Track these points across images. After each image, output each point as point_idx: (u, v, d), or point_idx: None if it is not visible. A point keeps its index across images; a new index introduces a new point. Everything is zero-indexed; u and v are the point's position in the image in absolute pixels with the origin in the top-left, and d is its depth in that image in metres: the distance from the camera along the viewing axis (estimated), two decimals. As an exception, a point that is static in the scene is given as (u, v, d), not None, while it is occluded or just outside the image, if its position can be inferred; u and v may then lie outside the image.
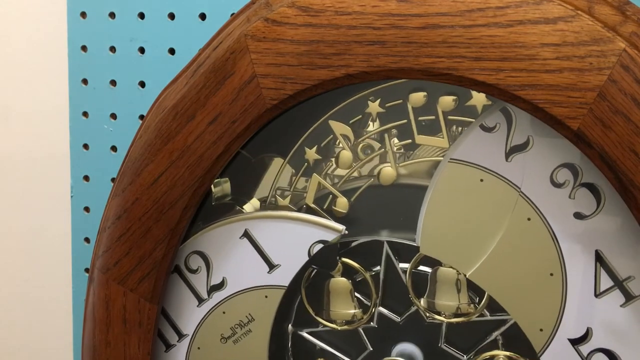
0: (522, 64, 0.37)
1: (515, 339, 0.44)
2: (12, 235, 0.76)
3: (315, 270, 0.49)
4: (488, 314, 0.45)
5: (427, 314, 0.46)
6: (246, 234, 0.47)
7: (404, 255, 0.47)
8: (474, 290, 0.45)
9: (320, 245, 0.46)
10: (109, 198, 0.48)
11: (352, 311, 0.48)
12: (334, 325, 0.49)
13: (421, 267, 0.46)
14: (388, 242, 0.47)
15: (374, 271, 0.48)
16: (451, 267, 0.45)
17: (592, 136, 0.37)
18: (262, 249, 0.47)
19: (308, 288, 0.49)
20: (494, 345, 0.46)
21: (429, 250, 0.44)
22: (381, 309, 0.48)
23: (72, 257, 0.71)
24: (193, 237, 0.48)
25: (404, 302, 0.47)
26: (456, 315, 0.46)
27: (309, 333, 0.50)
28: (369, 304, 0.48)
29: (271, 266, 0.47)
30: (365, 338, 0.49)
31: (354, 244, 0.47)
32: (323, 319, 0.49)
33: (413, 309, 0.47)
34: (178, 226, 0.46)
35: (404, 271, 0.47)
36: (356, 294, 0.48)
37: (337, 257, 0.48)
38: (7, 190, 0.75)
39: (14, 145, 0.74)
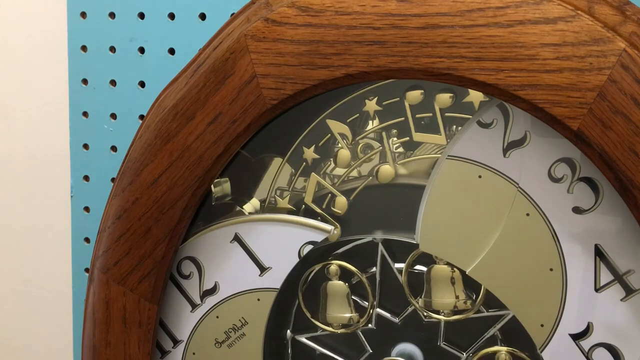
0: (522, 64, 0.37)
1: (516, 335, 0.44)
2: (13, 235, 0.76)
3: (313, 272, 0.49)
4: (485, 310, 0.45)
5: (425, 313, 0.46)
6: (236, 238, 0.47)
7: (400, 255, 0.46)
8: (470, 287, 0.45)
9: (310, 247, 0.46)
10: (109, 198, 0.48)
11: (349, 315, 0.48)
12: (330, 329, 0.49)
13: (417, 267, 0.46)
14: (383, 242, 0.47)
15: (369, 272, 0.48)
16: (445, 264, 0.45)
17: (592, 136, 0.37)
18: (252, 252, 0.47)
19: (305, 291, 0.49)
20: (492, 341, 0.46)
21: (429, 247, 0.44)
22: (379, 310, 0.48)
23: (72, 257, 0.71)
24: (184, 243, 0.48)
25: (401, 302, 0.47)
26: (454, 312, 0.46)
27: (308, 338, 0.50)
28: (366, 306, 0.48)
29: (262, 269, 0.47)
30: (365, 340, 0.49)
31: (352, 244, 0.47)
32: (319, 322, 0.49)
33: (410, 309, 0.47)
34: (178, 226, 0.46)
35: (400, 271, 0.46)
36: (353, 297, 0.48)
37: (330, 259, 0.48)
38: (8, 190, 0.75)
39: (14, 145, 0.74)
